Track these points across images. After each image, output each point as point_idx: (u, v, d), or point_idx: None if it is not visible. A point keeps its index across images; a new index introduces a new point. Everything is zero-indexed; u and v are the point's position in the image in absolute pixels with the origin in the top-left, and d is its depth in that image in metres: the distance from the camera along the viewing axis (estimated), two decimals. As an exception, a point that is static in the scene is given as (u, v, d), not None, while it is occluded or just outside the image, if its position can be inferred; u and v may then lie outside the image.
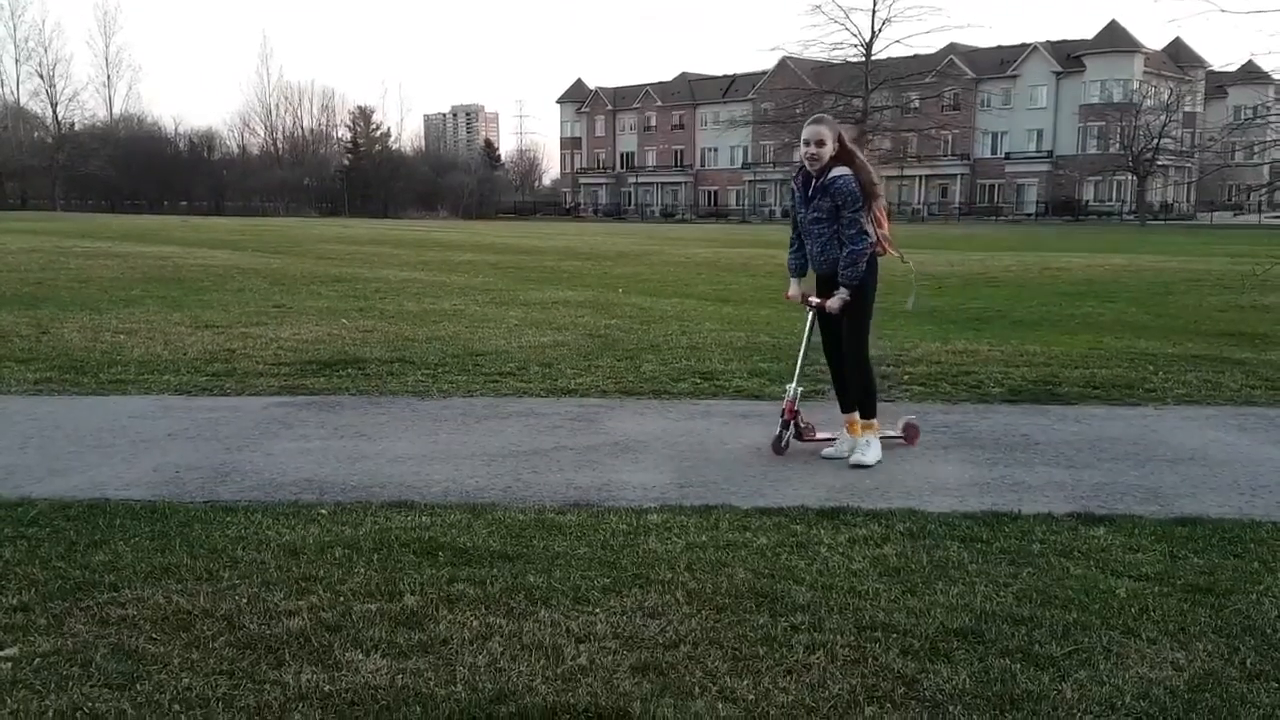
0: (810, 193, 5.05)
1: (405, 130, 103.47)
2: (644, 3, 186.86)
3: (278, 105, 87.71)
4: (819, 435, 5.31)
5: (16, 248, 21.46)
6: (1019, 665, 2.85)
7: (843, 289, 5.01)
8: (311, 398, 6.62)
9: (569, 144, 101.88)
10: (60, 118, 78.28)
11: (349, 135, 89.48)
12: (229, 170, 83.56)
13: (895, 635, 3.04)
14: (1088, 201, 69.24)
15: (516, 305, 12.24)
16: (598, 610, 3.21)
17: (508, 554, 3.70)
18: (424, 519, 4.10)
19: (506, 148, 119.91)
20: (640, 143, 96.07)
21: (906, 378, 7.33)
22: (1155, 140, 60.98)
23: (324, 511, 4.18)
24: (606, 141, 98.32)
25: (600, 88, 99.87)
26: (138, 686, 2.69)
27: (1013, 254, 25.04)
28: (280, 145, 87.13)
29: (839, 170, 4.92)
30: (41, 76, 77.26)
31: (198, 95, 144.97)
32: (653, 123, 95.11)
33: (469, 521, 4.07)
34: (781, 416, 5.21)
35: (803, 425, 5.25)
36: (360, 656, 2.87)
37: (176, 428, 5.71)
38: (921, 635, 3.03)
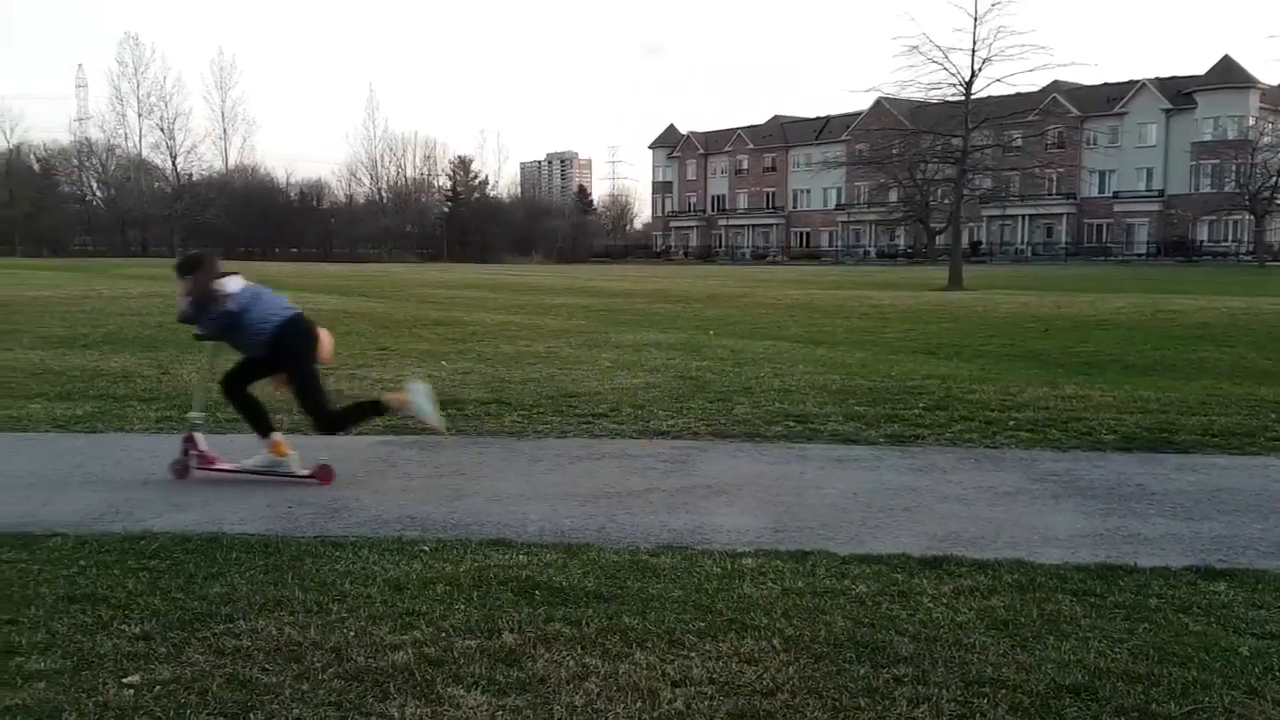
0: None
1: (502, 177, 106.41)
2: (736, 50, 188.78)
3: (383, 156, 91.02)
4: (220, 465, 5.62)
5: (138, 292, 22.65)
6: (1135, 724, 2.73)
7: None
8: (414, 437, 6.78)
9: (660, 188, 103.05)
10: (179, 169, 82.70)
11: (449, 183, 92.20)
12: (336, 218, 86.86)
13: (1004, 691, 2.94)
14: (1202, 242, 66.70)
15: (609, 348, 12.37)
16: (693, 654, 3.20)
17: (603, 594, 3.73)
18: (521, 557, 4.16)
19: (599, 193, 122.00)
20: (731, 185, 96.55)
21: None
22: (1273, 178, 58.49)
23: (426, 548, 4.28)
24: (698, 185, 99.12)
25: (692, 132, 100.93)
26: (251, 716, 2.78)
27: (1123, 296, 24.22)
28: (384, 194, 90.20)
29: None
30: (162, 130, 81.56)
31: (308, 147, 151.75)
32: (744, 165, 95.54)
33: (564, 561, 4.11)
34: (183, 444, 5.63)
35: (196, 453, 5.60)
36: (461, 692, 2.92)
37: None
38: (1032, 692, 2.93)
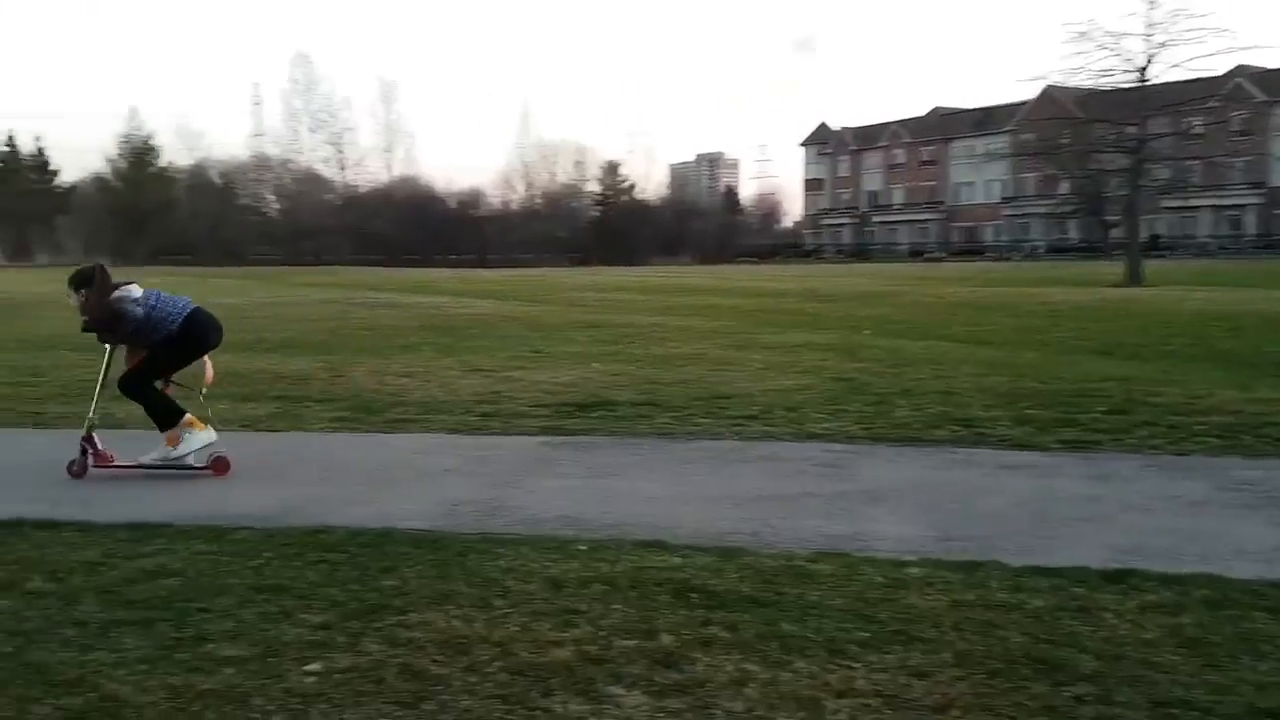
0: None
1: (651, 180, 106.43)
2: (888, 43, 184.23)
3: (535, 163, 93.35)
4: (117, 462, 5.84)
5: (312, 300, 23.98)
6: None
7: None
8: (568, 438, 6.91)
9: (811, 185, 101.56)
10: (347, 181, 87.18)
11: (599, 188, 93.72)
12: (491, 225, 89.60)
13: (1196, 714, 2.74)
14: None
15: (759, 349, 12.26)
16: (857, 665, 3.12)
17: (759, 600, 3.68)
18: (676, 559, 4.15)
19: (747, 192, 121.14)
20: (886, 180, 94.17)
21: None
22: None
23: (582, 547, 4.33)
24: (850, 181, 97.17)
25: (845, 127, 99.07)
26: (424, 706, 2.88)
27: (1319, 290, 22.30)
28: (537, 200, 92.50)
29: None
30: (332, 144, 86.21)
31: (466, 157, 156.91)
32: (900, 159, 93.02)
33: (719, 564, 4.08)
34: (81, 443, 5.79)
35: (95, 452, 5.80)
36: (622, 692, 2.94)
37: (452, 464, 6.13)
38: (1226, 715, 2.73)
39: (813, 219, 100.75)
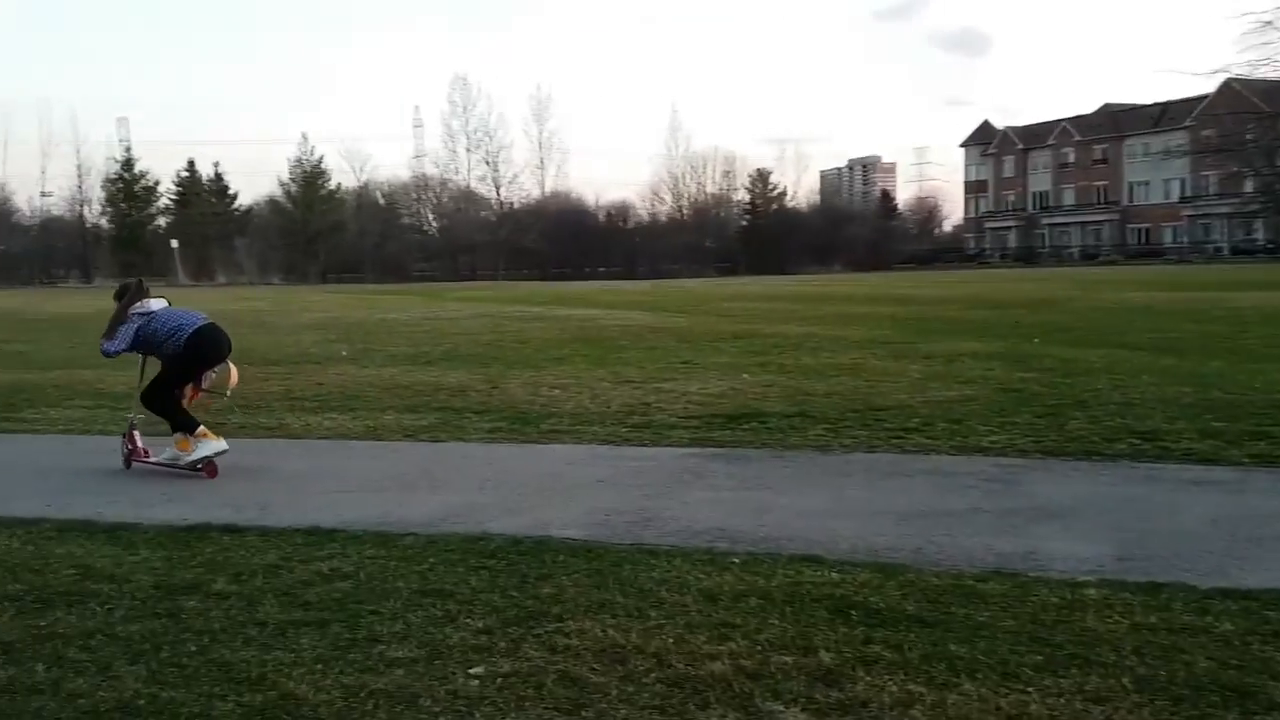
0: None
1: (801, 187, 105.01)
2: (1053, 39, 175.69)
3: (684, 174, 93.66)
4: (150, 459, 6.50)
5: (469, 313, 24.80)
6: None
7: None
8: (719, 450, 6.87)
9: (973, 188, 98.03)
10: (502, 198, 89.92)
11: (747, 197, 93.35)
12: (640, 237, 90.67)
13: None
14: None
15: (918, 358, 11.89)
16: (1030, 689, 2.96)
17: (924, 619, 3.55)
18: (833, 575, 4.06)
19: (904, 196, 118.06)
20: (1055, 181, 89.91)
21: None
22: None
23: (736, 560, 4.29)
24: (1016, 182, 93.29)
25: (1009, 127, 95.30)
26: (582, 713, 2.91)
27: None
28: (685, 211, 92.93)
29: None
30: (488, 163, 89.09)
31: (615, 170, 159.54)
32: (1070, 159, 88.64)
33: (880, 582, 3.97)
34: (123, 441, 6.60)
35: (131, 449, 6.55)
36: (780, 708, 2.88)
37: (604, 475, 6.20)
38: None
39: (975, 222, 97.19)
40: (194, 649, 3.45)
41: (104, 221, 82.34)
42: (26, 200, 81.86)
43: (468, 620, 3.64)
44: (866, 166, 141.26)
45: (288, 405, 9.23)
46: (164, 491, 5.95)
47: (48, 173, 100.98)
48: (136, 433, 6.62)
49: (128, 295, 6.64)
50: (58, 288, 62.54)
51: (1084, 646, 3.26)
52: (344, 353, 14.40)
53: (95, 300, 33.23)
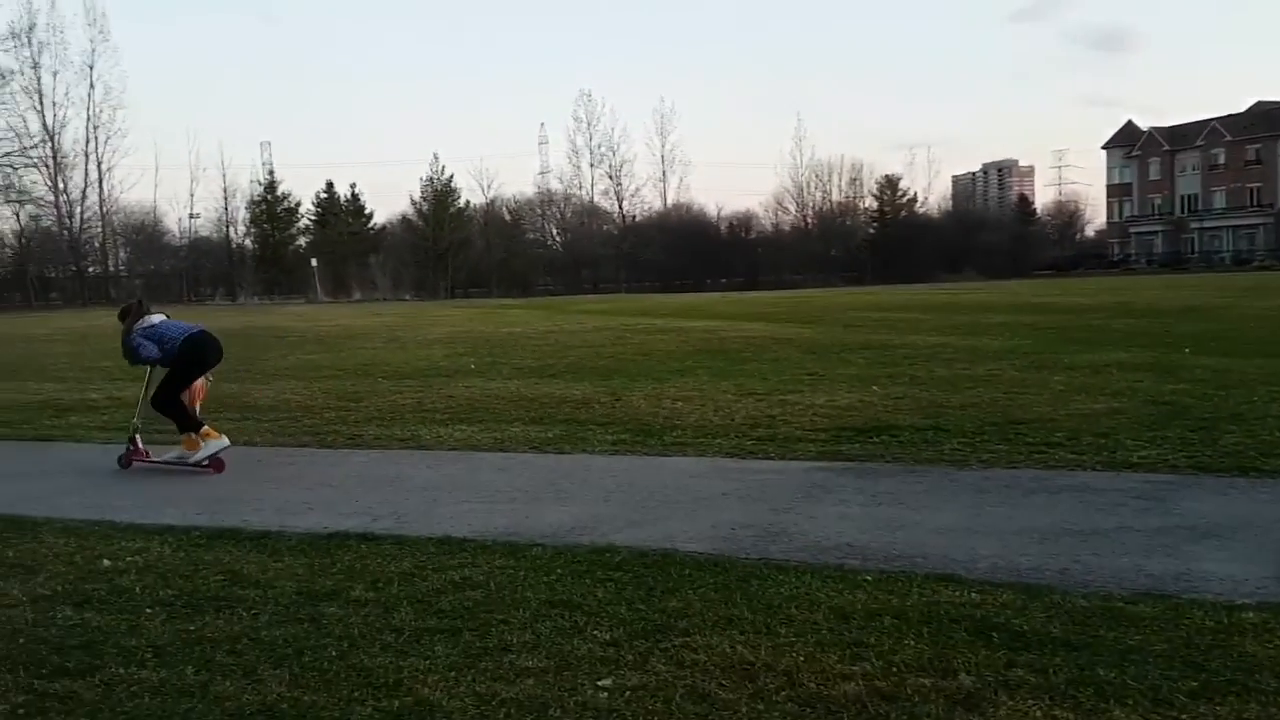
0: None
1: (932, 193, 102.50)
2: (1199, 35, 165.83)
3: (808, 183, 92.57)
4: (151, 459, 7.31)
5: (591, 326, 25.08)
6: None
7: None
8: (848, 464, 6.72)
9: (1116, 191, 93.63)
10: (624, 211, 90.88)
11: (875, 204, 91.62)
12: (763, 247, 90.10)
13: None
14: None
15: (1060, 369, 11.39)
16: (1184, 717, 2.82)
17: (1071, 642, 3.39)
18: (973, 595, 3.91)
19: (1042, 200, 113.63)
20: (1205, 183, 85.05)
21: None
22: None
23: (868, 578, 4.18)
24: (1162, 185, 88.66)
25: (1154, 128, 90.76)
26: (711, 731, 2.87)
27: None
28: (810, 220, 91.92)
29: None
30: (611, 177, 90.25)
31: (737, 181, 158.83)
32: (1220, 160, 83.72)
33: (1023, 602, 3.81)
34: (127, 443, 7.42)
35: (133, 450, 7.34)
36: (917, 734, 2.77)
37: (729, 488, 6.14)
38: None
39: (1119, 227, 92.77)
40: (334, 654, 3.56)
41: (248, 241, 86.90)
42: (176, 222, 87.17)
43: (595, 632, 3.65)
44: (1002, 170, 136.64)
45: (419, 417, 9.51)
46: (306, 500, 6.20)
47: (196, 195, 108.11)
48: (138, 436, 7.44)
49: (130, 315, 7.46)
50: (204, 305, 66.27)
51: (1242, 673, 3.07)
52: (471, 366, 14.76)
53: (240, 317, 35.21)
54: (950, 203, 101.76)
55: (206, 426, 7.34)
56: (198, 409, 7.52)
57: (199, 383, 7.59)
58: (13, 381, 14.28)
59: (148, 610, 4.09)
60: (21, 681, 3.37)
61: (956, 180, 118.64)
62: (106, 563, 4.80)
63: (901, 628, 3.58)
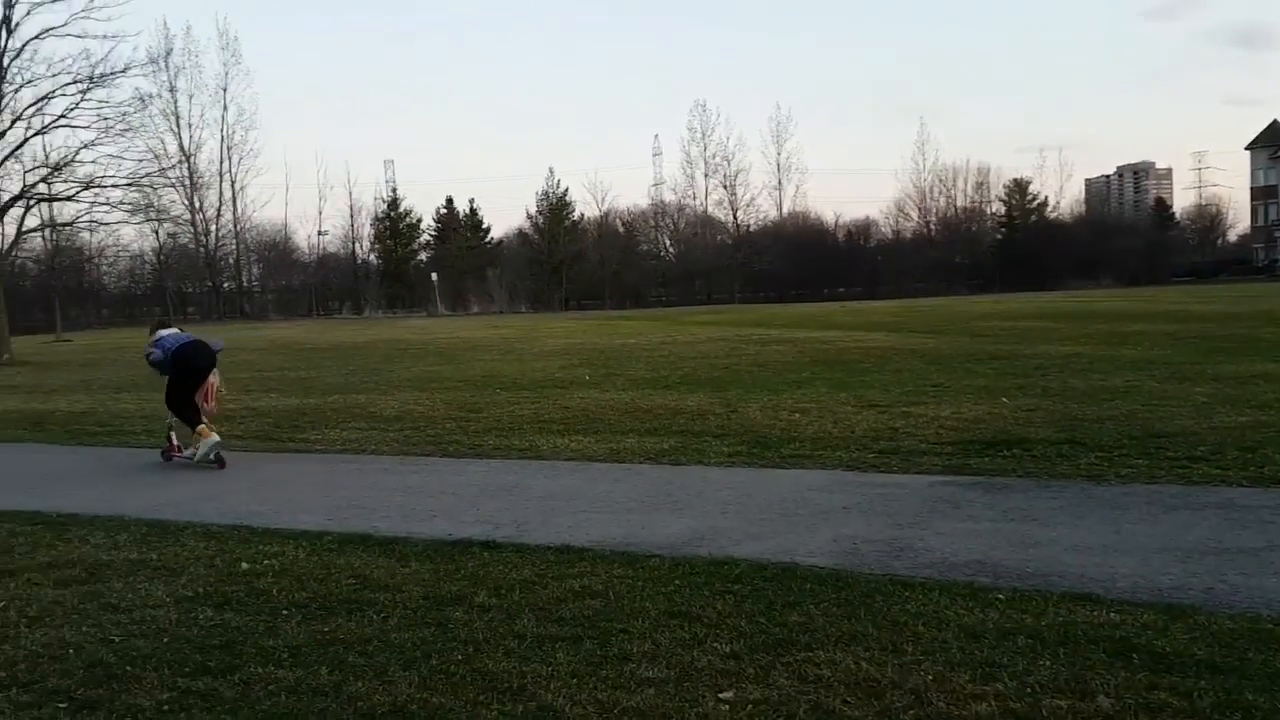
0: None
1: (1064, 197, 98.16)
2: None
3: (931, 188, 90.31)
4: (182, 455, 8.63)
5: (705, 337, 25.04)
6: None
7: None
8: (976, 478, 6.51)
9: (1261, 194, 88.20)
10: (739, 221, 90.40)
11: (1003, 209, 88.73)
12: (883, 255, 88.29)
13: None
14: None
15: (1204, 380, 10.79)
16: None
17: (1217, 665, 3.23)
18: (1111, 615, 3.74)
19: (1181, 204, 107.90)
20: (1361, 184, 79.51)
21: None
22: None
23: (1001, 596, 4.03)
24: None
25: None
26: (836, 749, 2.81)
27: None
28: (933, 226, 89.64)
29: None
30: (725, 187, 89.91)
31: (856, 188, 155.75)
32: (1378, 158, 78.17)
33: (1165, 623, 3.63)
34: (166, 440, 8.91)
35: (169, 445, 8.81)
36: (1055, 760, 2.65)
37: (850, 501, 6.03)
38: None
39: (1264, 231, 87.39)
40: (460, 658, 3.64)
41: (372, 257, 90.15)
42: (306, 238, 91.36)
43: (715, 644, 3.63)
44: (1138, 173, 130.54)
45: (537, 428, 9.66)
46: (430, 508, 6.37)
47: (324, 213, 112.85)
48: (172, 434, 8.86)
49: (151, 329, 9.21)
50: (333, 319, 68.99)
51: None
52: (586, 377, 14.92)
53: (366, 330, 36.54)
54: (1083, 207, 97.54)
55: (202, 426, 8.52)
56: (212, 406, 8.85)
57: (212, 379, 8.89)
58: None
59: (284, 612, 4.27)
60: (166, 679, 3.55)
61: (1090, 184, 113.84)
62: (245, 566, 5.03)
63: (1036, 647, 3.44)
